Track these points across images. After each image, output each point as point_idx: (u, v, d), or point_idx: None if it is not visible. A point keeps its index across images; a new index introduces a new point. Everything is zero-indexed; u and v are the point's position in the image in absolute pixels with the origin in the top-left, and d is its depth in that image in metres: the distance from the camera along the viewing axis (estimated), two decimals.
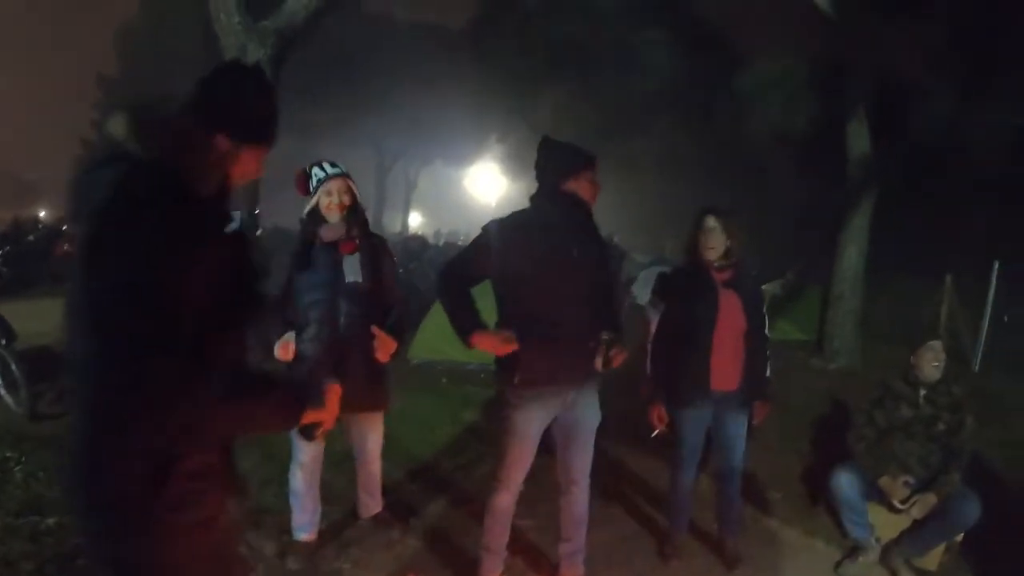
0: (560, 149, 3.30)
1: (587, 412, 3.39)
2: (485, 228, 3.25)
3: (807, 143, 10.73)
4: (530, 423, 3.24)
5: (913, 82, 9.34)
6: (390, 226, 34.22)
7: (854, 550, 4.30)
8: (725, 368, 3.81)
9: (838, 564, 4.26)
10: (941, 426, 4.30)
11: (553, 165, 3.24)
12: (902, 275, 11.99)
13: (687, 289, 3.90)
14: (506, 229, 3.17)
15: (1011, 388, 8.66)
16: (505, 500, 3.37)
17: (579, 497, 3.49)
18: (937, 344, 4.38)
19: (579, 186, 3.23)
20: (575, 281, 3.17)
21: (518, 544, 3.93)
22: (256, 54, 7.19)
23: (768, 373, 3.97)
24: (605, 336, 3.17)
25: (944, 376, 4.38)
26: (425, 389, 7.25)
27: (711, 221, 3.83)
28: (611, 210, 25.18)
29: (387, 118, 26.43)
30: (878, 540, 4.31)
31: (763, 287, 10.33)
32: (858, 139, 8.49)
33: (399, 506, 4.48)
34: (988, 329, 9.83)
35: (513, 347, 3.08)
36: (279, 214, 23.07)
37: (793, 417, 6.26)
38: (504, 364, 3.18)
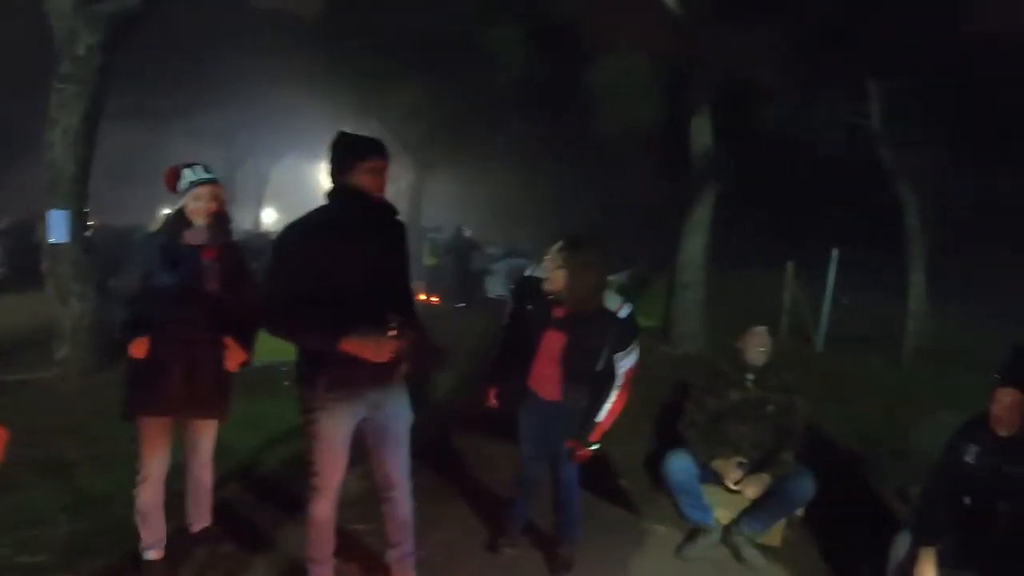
0: (343, 143, 3.12)
1: (396, 412, 3.24)
2: (277, 239, 3.11)
3: (656, 138, 11.02)
4: (337, 428, 3.10)
5: (756, 81, 9.75)
6: (242, 223, 32.87)
7: (694, 532, 4.31)
8: (548, 381, 3.77)
9: (680, 547, 4.26)
10: (771, 408, 4.38)
11: (335, 160, 3.09)
12: (747, 264, 12.57)
13: (527, 305, 3.84)
14: (294, 234, 3.04)
15: (851, 367, 9.18)
16: (323, 509, 3.19)
17: (401, 500, 3.32)
18: (762, 329, 4.47)
19: (361, 179, 3.04)
20: (367, 279, 3.02)
21: (351, 550, 3.75)
22: (87, 40, 6.99)
23: (599, 419, 3.80)
24: (392, 320, 2.94)
25: (772, 359, 4.45)
26: (266, 393, 6.81)
27: (554, 249, 3.73)
28: (465, 204, 25.26)
29: (236, 109, 25.30)
30: (718, 521, 4.34)
31: (611, 278, 10.68)
32: (700, 134, 8.77)
33: (231, 518, 4.15)
34: (829, 312, 10.44)
35: (394, 344, 2.94)
36: (115, 211, 21.68)
37: (639, 404, 6.26)
38: (305, 369, 3.10)
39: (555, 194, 19.27)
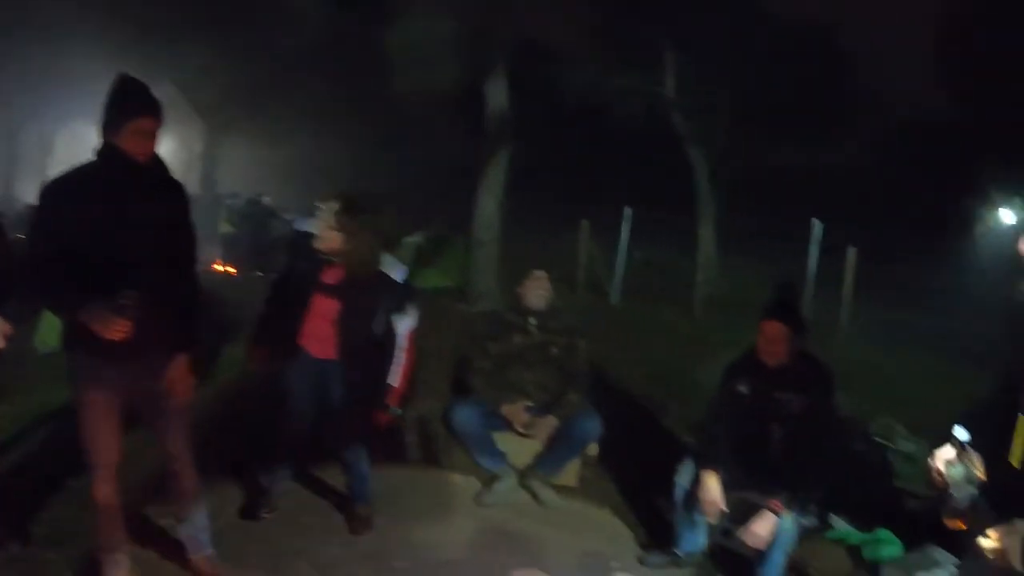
0: (114, 97, 2.76)
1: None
2: (38, 196, 2.79)
3: (454, 99, 10.99)
4: (103, 398, 2.84)
5: (554, 46, 9.94)
6: (25, 195, 29.34)
7: (491, 479, 4.32)
8: (321, 340, 3.58)
9: (478, 495, 4.26)
10: (554, 350, 4.44)
11: (104, 114, 2.75)
12: (544, 223, 12.95)
13: (299, 262, 3.63)
14: (51, 191, 2.78)
15: (645, 316, 9.68)
16: (104, 491, 2.93)
17: (183, 472, 3.10)
18: (541, 273, 4.50)
19: (126, 140, 2.72)
20: (134, 245, 2.74)
21: (150, 534, 3.46)
22: None
23: (392, 382, 3.73)
24: (124, 295, 2.64)
25: (553, 303, 4.51)
26: (55, 383, 6.06)
27: (329, 209, 3.49)
28: (265, 169, 24.12)
29: (12, 70, 22.41)
30: (513, 466, 4.37)
31: (407, 239, 10.70)
32: (496, 96, 8.81)
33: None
34: (624, 267, 10.97)
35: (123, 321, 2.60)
36: None
37: (435, 361, 6.28)
38: (67, 334, 2.85)
39: (357, 156, 18.82)
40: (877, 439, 5.34)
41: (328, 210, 3.47)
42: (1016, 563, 1.80)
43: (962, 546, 3.34)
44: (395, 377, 3.70)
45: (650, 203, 11.12)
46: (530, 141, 9.39)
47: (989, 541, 1.91)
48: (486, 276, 8.85)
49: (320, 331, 3.58)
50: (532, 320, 4.48)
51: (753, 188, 13.04)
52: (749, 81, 10.58)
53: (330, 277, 3.55)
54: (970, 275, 11.47)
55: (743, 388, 3.70)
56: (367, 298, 3.57)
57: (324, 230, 3.47)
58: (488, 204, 8.80)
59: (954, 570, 3.45)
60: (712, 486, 3.50)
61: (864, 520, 3.90)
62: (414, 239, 10.81)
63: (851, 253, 8.87)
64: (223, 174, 21.28)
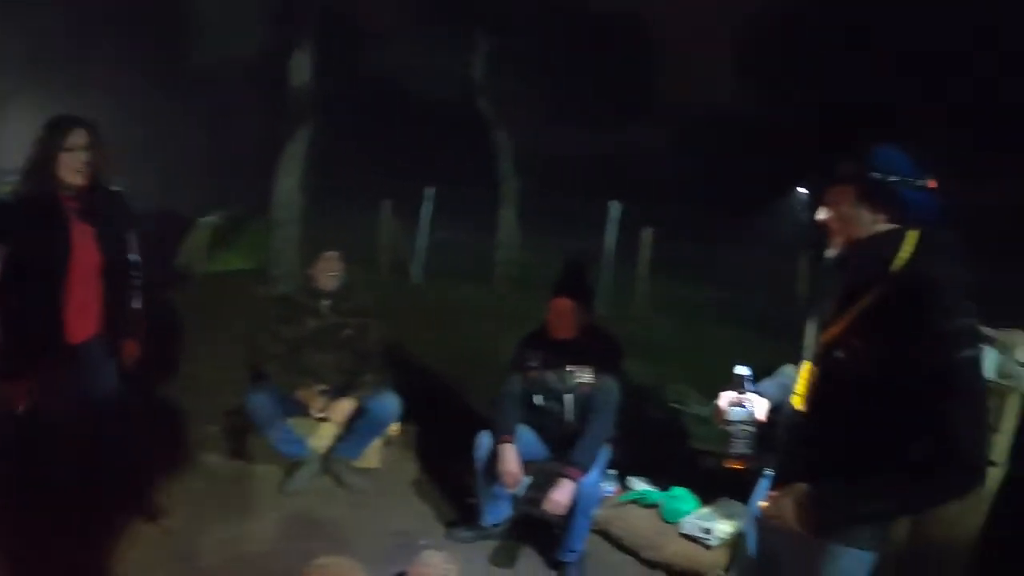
0: None
1: None
2: None
3: (258, 73, 10.35)
4: None
5: (362, 21, 9.64)
6: None
7: (293, 467, 4.15)
8: (86, 315, 3.20)
9: (282, 484, 4.08)
10: (348, 332, 4.32)
11: None
12: (345, 203, 12.60)
13: (29, 222, 3.09)
14: None
15: (447, 294, 9.68)
16: None
17: None
18: (332, 254, 4.35)
19: None
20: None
21: None
22: None
23: (139, 305, 3.45)
24: None
25: (346, 284, 4.36)
26: None
27: (78, 135, 3.08)
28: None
29: None
30: (314, 451, 4.21)
31: (203, 219, 10.02)
32: (300, 71, 8.40)
33: None
34: (426, 247, 10.91)
35: None
36: None
37: (231, 347, 5.90)
38: None
39: (157, 132, 17.30)
40: (673, 404, 5.68)
41: (79, 134, 3.08)
42: (792, 524, 1.87)
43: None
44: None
45: (452, 183, 11.12)
46: (333, 119, 9.03)
47: (765, 503, 1.99)
48: (286, 258, 8.41)
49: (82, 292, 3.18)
50: (324, 302, 4.31)
51: (554, 170, 13.45)
52: (555, 66, 10.88)
53: (74, 205, 3.14)
54: (755, 252, 12.52)
55: (534, 362, 3.74)
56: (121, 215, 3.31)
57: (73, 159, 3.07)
58: (287, 183, 8.36)
59: (749, 518, 3.71)
60: (509, 457, 3.52)
61: (663, 481, 4.09)
62: (211, 219, 10.11)
63: (646, 233, 9.38)
64: (5, 148, 18.72)
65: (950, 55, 12.97)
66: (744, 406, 2.12)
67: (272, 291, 8.00)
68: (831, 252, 1.99)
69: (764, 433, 2.12)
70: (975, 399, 1.74)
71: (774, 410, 2.18)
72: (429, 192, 10.93)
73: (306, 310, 4.28)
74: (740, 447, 2.11)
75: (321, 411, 4.11)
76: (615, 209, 9.76)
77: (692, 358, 7.35)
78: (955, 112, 12.97)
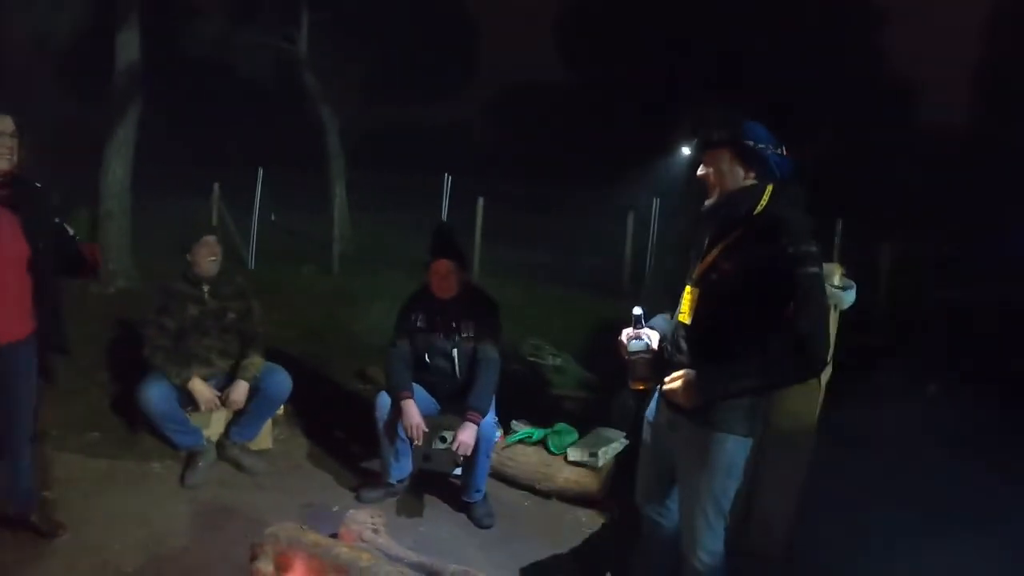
0: None
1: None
2: None
3: (73, 50, 9.45)
4: None
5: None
6: None
7: (191, 457, 4.15)
8: (9, 313, 3.07)
9: (182, 477, 4.07)
10: (231, 316, 4.35)
11: None
12: (173, 189, 11.98)
13: None
14: None
15: (284, 278, 9.56)
16: None
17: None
18: (211, 239, 4.34)
19: None
20: None
21: None
22: None
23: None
24: None
25: (224, 268, 4.39)
26: None
27: (3, 122, 2.96)
28: None
29: None
30: (209, 440, 4.24)
31: None
32: (127, 49, 7.83)
33: None
34: (257, 229, 10.67)
35: None
36: None
37: (86, 351, 5.64)
38: None
39: None
40: (530, 358, 6.14)
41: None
42: (684, 400, 2.42)
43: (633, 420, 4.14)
44: None
45: (281, 163, 10.94)
46: (156, 100, 8.49)
47: (668, 384, 2.48)
48: (120, 251, 7.88)
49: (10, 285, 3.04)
50: (205, 287, 4.30)
51: (383, 145, 13.50)
52: (379, 41, 10.86)
53: None
54: (583, 219, 13.28)
55: (420, 323, 4.02)
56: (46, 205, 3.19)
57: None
58: (117, 170, 7.78)
59: (625, 442, 4.24)
60: (412, 411, 3.80)
61: (541, 423, 4.53)
62: None
63: (480, 202, 9.77)
64: None
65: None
66: (641, 339, 2.56)
67: (107, 290, 7.59)
68: (708, 202, 2.51)
69: (657, 359, 2.56)
70: (818, 303, 2.31)
71: (662, 340, 2.63)
72: (259, 173, 10.66)
73: (187, 297, 4.24)
74: (640, 372, 2.55)
75: (209, 405, 4.14)
76: (448, 181, 10.07)
77: (531, 315, 7.87)
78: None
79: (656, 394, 2.72)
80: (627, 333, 2.57)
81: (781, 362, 2.32)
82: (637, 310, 2.58)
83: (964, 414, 5.16)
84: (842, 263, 3.73)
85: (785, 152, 2.45)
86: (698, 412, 2.44)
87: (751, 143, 2.41)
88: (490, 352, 3.94)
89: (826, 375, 3.57)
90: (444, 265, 3.97)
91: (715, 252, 2.46)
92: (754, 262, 2.34)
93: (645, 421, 2.79)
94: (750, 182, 2.44)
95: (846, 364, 3.72)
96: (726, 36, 14.72)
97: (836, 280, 3.78)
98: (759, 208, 2.41)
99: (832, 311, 3.57)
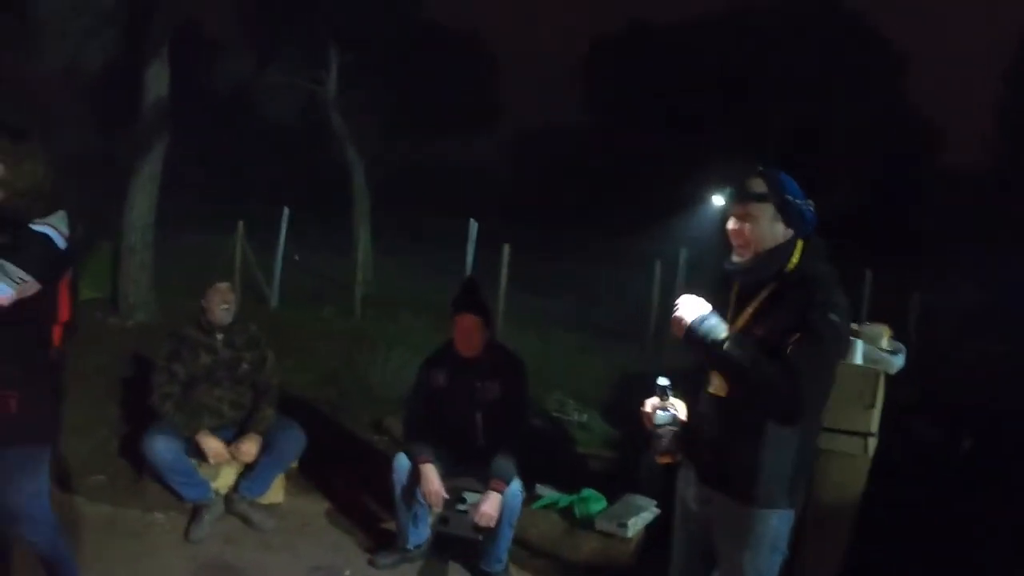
0: None
1: None
2: None
3: (101, 82, 9.50)
4: None
5: (217, 33, 9.19)
6: None
7: (197, 510, 3.95)
8: None
9: (187, 530, 3.87)
10: (245, 366, 4.22)
11: None
12: (196, 225, 11.96)
13: None
14: None
15: (307, 320, 9.42)
16: None
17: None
18: (224, 286, 4.25)
19: None
20: None
21: None
22: None
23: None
24: None
25: (238, 316, 4.25)
26: None
27: None
28: None
29: None
30: (218, 492, 4.05)
31: None
32: (156, 83, 7.87)
33: None
34: (281, 269, 10.57)
35: None
36: None
37: (98, 385, 5.51)
38: None
39: None
40: (554, 414, 5.92)
41: None
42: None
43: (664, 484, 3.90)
44: None
45: (305, 203, 10.88)
46: (183, 135, 8.48)
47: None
48: (140, 285, 7.83)
49: None
50: (219, 335, 4.15)
51: (408, 187, 13.49)
52: (405, 82, 10.92)
53: None
54: (608, 267, 13.12)
55: (441, 381, 3.83)
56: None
57: None
58: (141, 204, 7.77)
59: (656, 511, 3.98)
60: (432, 477, 3.60)
61: (566, 485, 4.29)
62: None
63: (506, 249, 9.60)
64: None
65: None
66: (668, 410, 2.39)
67: (126, 322, 7.49)
68: (736, 259, 2.35)
69: (683, 431, 2.40)
70: (820, 348, 2.15)
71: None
72: (285, 212, 10.58)
73: (199, 345, 4.11)
74: (666, 445, 2.39)
75: (222, 459, 3.97)
76: (473, 227, 9.92)
77: (555, 367, 7.65)
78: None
79: (684, 467, 2.53)
80: (652, 403, 2.41)
81: (765, 390, 2.15)
82: (663, 380, 2.40)
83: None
84: (877, 317, 3.52)
85: (811, 204, 2.33)
86: (738, 487, 2.28)
87: (791, 197, 2.29)
88: (517, 416, 3.73)
89: (873, 445, 3.36)
90: (469, 320, 3.79)
91: (747, 315, 2.31)
92: (785, 323, 2.18)
93: (677, 496, 2.59)
94: (786, 238, 2.30)
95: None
96: (755, 82, 14.68)
97: (884, 343, 3.57)
98: (791, 265, 2.28)
99: (879, 377, 3.37)
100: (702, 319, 2.23)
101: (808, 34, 17.10)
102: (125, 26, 8.37)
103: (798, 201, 2.30)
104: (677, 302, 2.34)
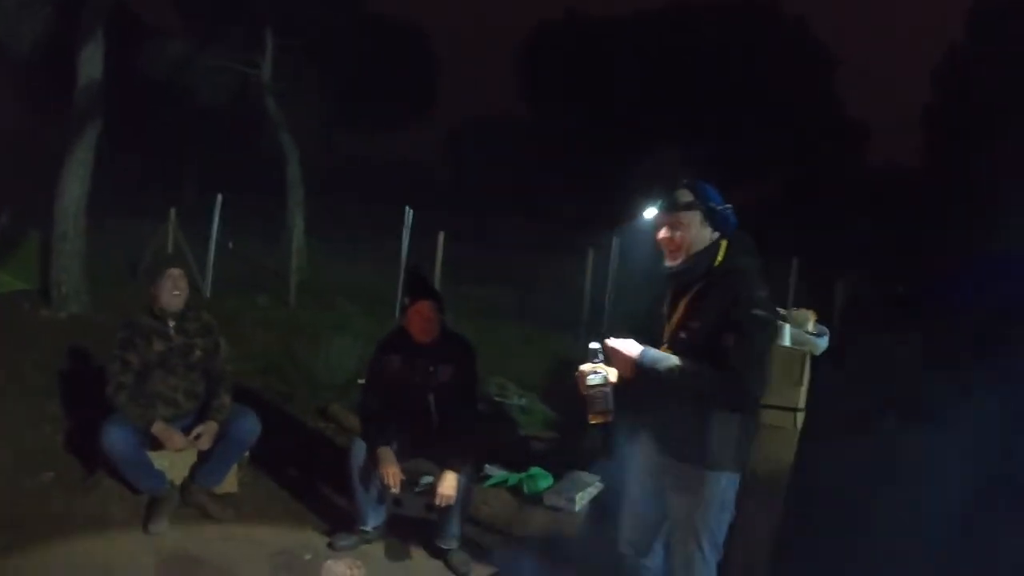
0: None
1: None
2: None
3: (32, 62, 9.10)
4: None
5: (153, 16, 8.93)
6: None
7: (154, 502, 3.96)
8: None
9: (145, 524, 3.86)
10: (198, 353, 4.20)
11: None
12: (124, 213, 11.61)
13: None
14: None
15: (242, 308, 9.34)
16: None
17: None
18: (176, 272, 4.21)
19: None
20: None
21: None
22: None
23: None
24: None
25: (189, 303, 4.26)
26: None
27: None
28: None
29: None
30: (173, 484, 4.06)
31: None
32: (90, 65, 7.60)
33: None
34: (215, 257, 10.42)
35: None
36: None
37: (36, 381, 5.41)
38: None
39: None
40: (496, 398, 6.11)
41: None
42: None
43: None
44: None
45: (238, 190, 10.73)
46: (115, 119, 8.19)
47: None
48: (73, 275, 7.57)
49: None
50: (171, 323, 4.15)
51: (342, 175, 13.40)
52: (342, 71, 10.83)
53: None
54: (541, 255, 13.29)
55: (396, 365, 3.95)
56: None
57: None
58: (74, 190, 7.49)
59: (599, 486, 4.23)
60: (389, 458, 3.73)
61: (512, 465, 4.49)
62: None
63: (440, 237, 9.74)
64: None
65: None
66: (599, 372, 2.62)
67: (59, 314, 7.29)
68: (670, 263, 2.68)
69: (614, 392, 2.63)
70: (752, 342, 2.47)
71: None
72: (218, 199, 10.40)
73: (152, 332, 4.08)
74: (600, 405, 2.61)
75: (181, 447, 3.98)
76: (409, 215, 9.99)
77: (492, 354, 7.80)
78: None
79: (628, 439, 2.84)
80: (585, 367, 2.63)
81: (714, 395, 2.50)
82: (594, 344, 2.64)
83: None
84: (801, 304, 3.83)
85: (730, 207, 2.67)
86: (688, 452, 2.59)
87: (714, 204, 2.63)
88: (471, 398, 3.90)
89: (800, 419, 3.65)
90: (425, 307, 3.92)
91: (680, 310, 2.66)
92: (716, 314, 2.51)
93: (627, 471, 2.84)
94: (712, 240, 2.64)
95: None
96: (686, 77, 15.11)
97: (810, 327, 3.88)
98: (718, 261, 2.61)
99: (805, 358, 3.67)
100: (644, 352, 2.56)
101: (741, 29, 17.75)
102: (59, 3, 8.05)
103: (720, 207, 2.64)
104: (597, 353, 2.62)
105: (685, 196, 2.64)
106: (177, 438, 3.97)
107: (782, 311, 3.73)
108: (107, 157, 8.34)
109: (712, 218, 2.63)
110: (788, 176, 19.68)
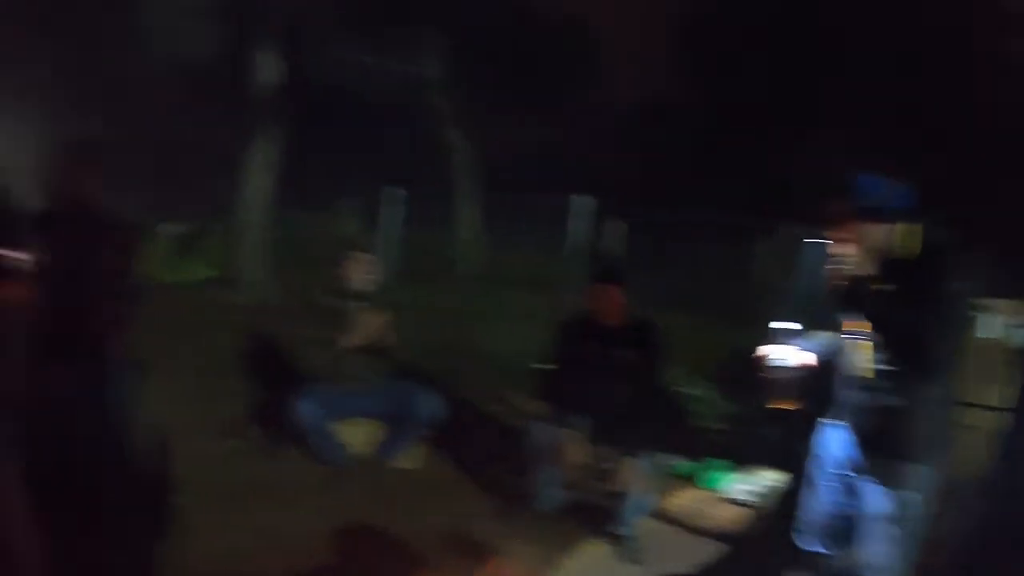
0: None
1: None
2: None
3: (211, 70, 9.94)
4: None
5: (322, 18, 9.49)
6: None
7: (331, 474, 4.08)
8: None
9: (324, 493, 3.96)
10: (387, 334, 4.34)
11: None
12: (304, 204, 12.35)
13: None
14: None
15: (416, 296, 9.57)
16: None
17: None
18: (365, 255, 4.39)
19: None
20: None
21: None
22: None
23: None
24: None
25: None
26: None
27: None
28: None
29: None
30: (355, 456, 4.20)
31: (167, 227, 9.58)
32: (266, 69, 8.17)
33: None
34: (387, 247, 10.77)
35: None
36: None
37: (220, 358, 5.80)
38: None
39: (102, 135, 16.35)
40: (672, 387, 5.89)
41: None
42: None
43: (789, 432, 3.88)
44: None
45: (407, 183, 11.04)
46: (294, 117, 8.75)
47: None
48: (256, 264, 8.12)
49: None
50: (362, 304, 4.29)
51: (506, 165, 13.53)
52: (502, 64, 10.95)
53: None
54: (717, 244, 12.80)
55: (580, 348, 3.86)
56: None
57: None
58: (256, 185, 8.07)
59: (783, 482, 3.93)
60: (570, 443, 3.67)
61: (690, 456, 4.29)
62: (175, 228, 9.47)
63: (619, 227, 9.55)
64: None
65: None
66: (784, 355, 2.43)
67: (243, 300, 7.80)
68: (853, 271, 2.47)
69: (805, 377, 2.43)
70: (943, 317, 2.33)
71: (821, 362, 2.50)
72: (399, 193, 10.75)
73: (346, 314, 4.26)
74: (780, 389, 2.41)
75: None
76: (581, 204, 9.86)
77: (670, 343, 7.55)
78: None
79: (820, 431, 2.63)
80: (765, 350, 2.45)
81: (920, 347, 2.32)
82: (775, 324, 2.42)
83: None
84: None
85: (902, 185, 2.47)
86: (889, 444, 2.38)
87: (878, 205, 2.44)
88: (656, 382, 3.74)
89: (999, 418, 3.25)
90: (611, 290, 3.85)
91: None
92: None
93: (813, 462, 2.62)
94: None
95: None
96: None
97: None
98: (909, 252, 2.43)
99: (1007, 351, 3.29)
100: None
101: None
102: (224, 17, 8.63)
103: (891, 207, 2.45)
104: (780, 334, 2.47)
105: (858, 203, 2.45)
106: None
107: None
108: (285, 153, 8.85)
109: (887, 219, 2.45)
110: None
